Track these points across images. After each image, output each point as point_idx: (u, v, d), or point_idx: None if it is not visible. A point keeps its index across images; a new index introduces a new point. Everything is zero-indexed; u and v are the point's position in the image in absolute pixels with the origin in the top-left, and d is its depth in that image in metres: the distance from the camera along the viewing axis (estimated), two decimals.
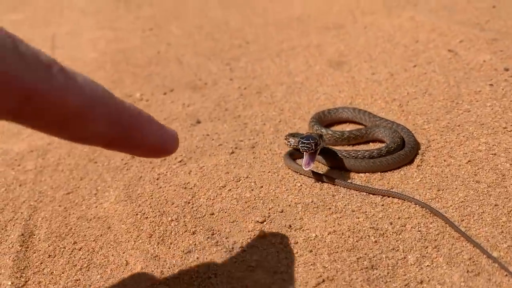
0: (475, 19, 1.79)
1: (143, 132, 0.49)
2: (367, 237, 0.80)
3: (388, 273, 0.72)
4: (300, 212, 0.88)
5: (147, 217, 0.91)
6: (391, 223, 0.83)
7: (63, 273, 0.79)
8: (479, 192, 0.88)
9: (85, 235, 0.88)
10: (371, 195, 0.91)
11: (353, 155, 1.01)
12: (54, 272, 0.80)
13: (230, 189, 0.98)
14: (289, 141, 1.07)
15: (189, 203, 0.94)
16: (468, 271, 0.71)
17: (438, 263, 0.73)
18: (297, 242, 0.80)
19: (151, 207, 0.94)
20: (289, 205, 0.90)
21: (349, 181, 0.96)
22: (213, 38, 2.07)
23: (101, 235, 0.88)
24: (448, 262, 0.73)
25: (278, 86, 1.49)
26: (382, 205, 0.88)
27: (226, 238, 0.83)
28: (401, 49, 1.65)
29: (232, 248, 0.80)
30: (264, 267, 0.75)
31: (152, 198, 0.97)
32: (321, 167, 1.04)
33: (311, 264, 0.75)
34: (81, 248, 0.85)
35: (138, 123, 0.49)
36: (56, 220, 0.94)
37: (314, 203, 0.90)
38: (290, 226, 0.84)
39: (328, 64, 1.62)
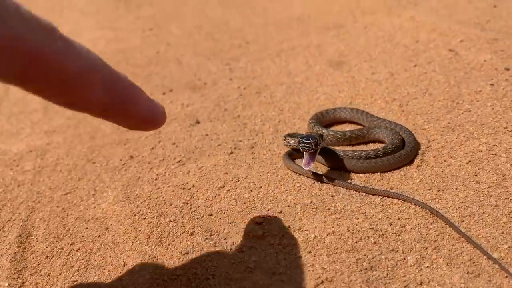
0: (475, 19, 1.78)
1: (136, 101, 0.51)
2: (367, 238, 0.79)
3: (387, 274, 0.72)
4: (299, 213, 0.87)
5: (145, 218, 0.91)
6: (390, 224, 0.82)
7: (60, 274, 0.79)
8: (480, 193, 0.87)
9: (83, 236, 0.88)
10: (370, 195, 0.91)
11: (350, 155, 1.01)
12: (52, 273, 0.79)
13: (228, 190, 0.97)
14: (288, 142, 1.06)
15: (187, 203, 0.94)
16: (468, 272, 0.70)
17: (438, 264, 0.72)
18: (296, 243, 0.79)
19: (149, 207, 0.94)
20: (288, 206, 0.90)
21: (348, 181, 0.95)
22: (213, 38, 2.06)
23: (99, 236, 0.87)
24: (448, 263, 0.72)
25: (277, 86, 1.49)
26: (382, 205, 0.87)
27: (225, 239, 0.82)
28: (401, 49, 1.64)
29: (231, 249, 0.80)
30: (262, 268, 0.74)
31: (150, 199, 0.97)
32: (321, 167, 1.03)
33: (310, 265, 0.74)
34: (78, 249, 0.84)
35: (132, 91, 0.51)
36: (54, 221, 0.93)
37: (313, 204, 0.89)
38: (289, 227, 0.84)
39: (328, 64, 1.62)
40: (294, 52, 1.78)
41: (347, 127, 1.21)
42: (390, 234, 0.80)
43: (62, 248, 0.85)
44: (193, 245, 0.81)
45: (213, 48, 1.93)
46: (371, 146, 1.10)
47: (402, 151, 1.00)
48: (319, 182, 0.96)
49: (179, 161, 1.10)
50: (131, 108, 0.50)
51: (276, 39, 1.95)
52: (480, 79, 1.31)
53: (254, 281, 0.72)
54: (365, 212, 0.86)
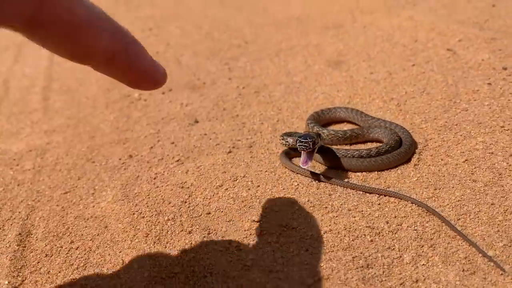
0: (474, 18, 1.78)
1: (140, 55, 0.52)
2: (363, 236, 0.80)
3: (383, 272, 0.72)
4: (296, 211, 0.88)
5: (143, 217, 0.91)
6: (387, 222, 0.83)
7: (59, 272, 0.79)
8: (476, 191, 0.88)
9: (82, 235, 0.89)
10: (367, 194, 0.91)
11: (347, 154, 1.01)
12: (51, 271, 0.80)
13: (226, 189, 0.98)
14: (287, 141, 1.07)
15: (185, 202, 0.95)
16: (463, 270, 0.71)
17: (434, 262, 0.73)
18: (293, 241, 0.80)
19: (147, 206, 0.95)
20: (286, 204, 0.90)
21: (346, 180, 0.96)
22: (212, 38, 2.07)
23: (98, 235, 0.88)
24: (444, 261, 0.73)
25: (276, 86, 1.49)
26: (379, 204, 0.88)
27: (222, 237, 0.83)
28: (400, 49, 1.65)
29: (228, 247, 0.80)
30: (259, 266, 0.75)
31: (149, 198, 0.98)
32: (318, 166, 1.04)
33: (307, 263, 0.75)
34: (78, 248, 0.85)
35: (136, 45, 0.51)
36: (54, 219, 0.94)
37: (311, 202, 0.90)
38: (286, 225, 0.84)
39: (326, 63, 1.62)
40: (293, 51, 1.79)
41: (344, 127, 1.21)
42: (387, 232, 0.80)
43: (62, 247, 0.86)
44: (191, 243, 0.82)
45: (212, 48, 1.94)
46: (369, 145, 1.11)
47: (399, 149, 1.01)
48: (317, 181, 0.97)
49: (177, 160, 1.11)
50: (135, 60, 0.51)
51: (275, 39, 1.95)
52: (477, 79, 1.32)
53: (251, 279, 0.73)
54: (362, 211, 0.86)
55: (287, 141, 1.07)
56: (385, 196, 0.90)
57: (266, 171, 1.03)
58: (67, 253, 0.84)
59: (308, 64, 1.64)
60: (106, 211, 0.95)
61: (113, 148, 1.21)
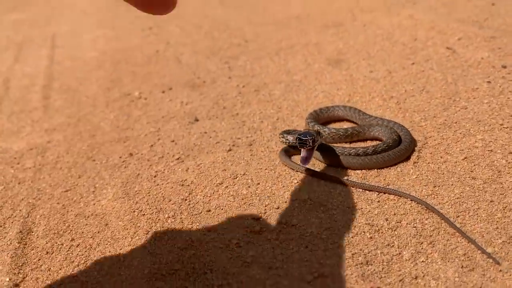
0: (474, 17, 1.79)
1: None
2: (363, 233, 0.80)
3: (383, 268, 0.72)
4: (296, 209, 0.88)
5: (144, 214, 0.92)
6: (386, 219, 0.83)
7: (60, 269, 0.80)
8: (475, 189, 0.88)
9: (82, 232, 0.89)
10: (367, 192, 0.91)
11: (347, 152, 1.02)
12: (52, 268, 0.80)
13: (227, 186, 0.98)
14: (287, 139, 1.07)
15: (186, 200, 0.95)
16: (462, 267, 0.71)
17: (433, 259, 0.73)
18: (292, 238, 0.80)
19: (148, 204, 0.95)
20: (285, 202, 0.91)
21: (345, 178, 0.96)
22: (212, 37, 2.07)
23: (98, 232, 0.88)
24: (443, 258, 0.73)
25: (276, 84, 1.50)
26: (378, 201, 0.88)
27: (222, 234, 0.83)
28: (399, 47, 1.65)
29: (228, 244, 0.81)
30: (259, 263, 0.75)
31: (149, 195, 0.98)
32: (318, 164, 1.04)
33: (306, 260, 0.75)
34: (78, 245, 0.85)
35: None
36: (54, 217, 0.94)
37: (311, 200, 0.90)
38: (286, 223, 0.85)
39: (326, 62, 1.63)
40: (293, 50, 1.79)
41: (344, 125, 1.22)
42: (386, 229, 0.81)
43: (62, 244, 0.86)
44: (192, 241, 0.82)
45: (212, 47, 1.94)
46: (369, 144, 1.11)
47: (399, 147, 1.01)
48: (316, 179, 0.97)
49: (178, 158, 1.12)
50: None
51: (275, 38, 1.96)
52: (477, 77, 1.32)
53: (251, 276, 0.73)
54: (362, 208, 0.87)
55: (287, 139, 1.07)
56: (384, 193, 0.90)
57: (266, 169, 1.03)
58: (68, 250, 0.84)
59: (308, 63, 1.64)
60: (107, 209, 0.95)
61: (113, 147, 1.21)
